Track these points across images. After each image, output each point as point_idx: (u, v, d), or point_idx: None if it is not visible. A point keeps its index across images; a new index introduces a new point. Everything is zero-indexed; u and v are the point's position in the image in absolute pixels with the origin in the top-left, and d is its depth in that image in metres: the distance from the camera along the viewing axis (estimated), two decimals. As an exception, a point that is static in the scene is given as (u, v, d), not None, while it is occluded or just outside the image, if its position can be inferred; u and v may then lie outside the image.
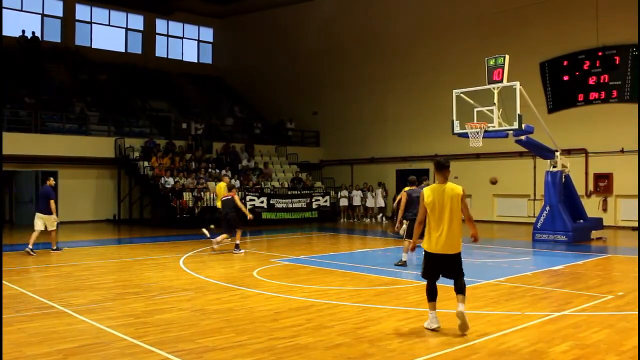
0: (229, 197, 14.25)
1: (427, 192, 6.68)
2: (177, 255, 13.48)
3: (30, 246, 13.61)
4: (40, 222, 14.04)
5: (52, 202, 14.12)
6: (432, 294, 6.69)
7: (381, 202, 25.97)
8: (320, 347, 6.01)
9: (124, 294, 9.00)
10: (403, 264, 11.55)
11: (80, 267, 12.00)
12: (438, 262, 6.62)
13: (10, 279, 10.05)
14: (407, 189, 12.12)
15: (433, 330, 6.57)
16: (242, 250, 14.00)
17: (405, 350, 5.89)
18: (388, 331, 6.64)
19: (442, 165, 6.68)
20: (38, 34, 29.75)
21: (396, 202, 13.14)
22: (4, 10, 28.71)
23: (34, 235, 13.84)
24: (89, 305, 8.02)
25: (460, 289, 6.56)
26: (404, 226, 12.04)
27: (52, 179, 14.93)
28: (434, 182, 6.87)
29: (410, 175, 12.68)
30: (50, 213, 14.09)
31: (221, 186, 15.71)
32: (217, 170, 25.26)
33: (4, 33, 28.47)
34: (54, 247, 14.31)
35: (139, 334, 6.50)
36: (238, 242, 14.07)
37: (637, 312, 7.45)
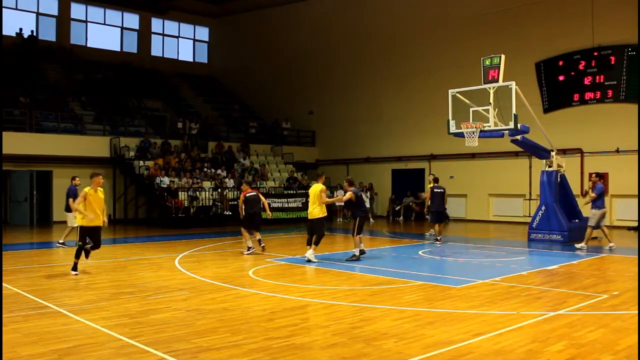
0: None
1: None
2: (172, 255, 13.47)
3: (61, 240, 15.06)
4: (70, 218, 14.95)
5: (70, 200, 14.62)
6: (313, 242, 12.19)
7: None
8: (315, 347, 6.00)
9: (118, 293, 8.97)
10: (357, 259, 12.43)
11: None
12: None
13: (5, 278, 9.99)
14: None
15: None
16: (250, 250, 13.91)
17: (400, 350, 5.89)
18: (383, 331, 6.64)
19: (318, 175, 12.44)
20: (33, 32, 29.61)
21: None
22: (-2, 9, 28.60)
23: (66, 231, 15.20)
24: (84, 305, 7.99)
25: (317, 241, 12.15)
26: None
27: (77, 178, 15.41)
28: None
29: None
30: (69, 211, 14.79)
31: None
32: (213, 170, 25.22)
33: (-1, 32, 28.36)
34: (61, 241, 15.12)
35: (133, 334, 6.48)
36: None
37: (632, 312, 7.47)
